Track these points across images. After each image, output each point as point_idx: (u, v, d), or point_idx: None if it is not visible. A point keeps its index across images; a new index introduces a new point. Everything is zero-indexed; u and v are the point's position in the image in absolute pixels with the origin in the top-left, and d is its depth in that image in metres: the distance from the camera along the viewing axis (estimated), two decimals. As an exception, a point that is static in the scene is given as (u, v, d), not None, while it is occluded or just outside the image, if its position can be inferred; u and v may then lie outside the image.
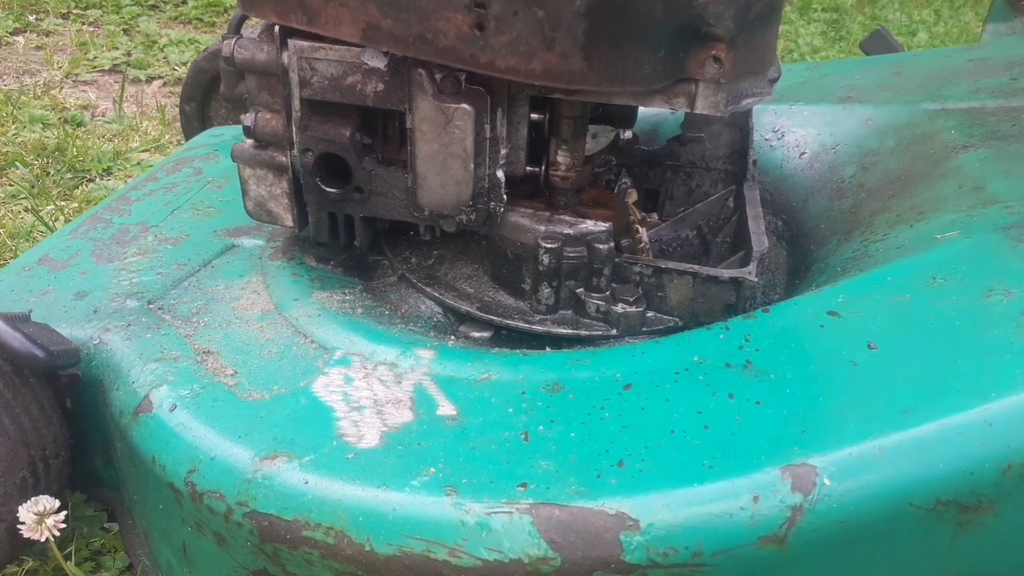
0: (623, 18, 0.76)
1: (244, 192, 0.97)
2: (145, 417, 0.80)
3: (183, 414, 0.78)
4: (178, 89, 2.77)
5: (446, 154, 0.88)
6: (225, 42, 0.89)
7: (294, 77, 0.88)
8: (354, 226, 0.97)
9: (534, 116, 0.94)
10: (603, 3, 0.75)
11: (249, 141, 0.94)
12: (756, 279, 0.91)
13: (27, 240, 1.75)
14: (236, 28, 1.14)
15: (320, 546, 0.69)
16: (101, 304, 0.95)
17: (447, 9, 0.78)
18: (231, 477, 0.73)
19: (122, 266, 1.02)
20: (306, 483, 0.70)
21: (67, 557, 0.92)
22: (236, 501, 0.72)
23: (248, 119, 0.92)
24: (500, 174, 0.90)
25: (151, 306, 0.94)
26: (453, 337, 0.94)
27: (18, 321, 0.80)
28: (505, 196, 0.91)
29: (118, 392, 0.84)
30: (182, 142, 2.31)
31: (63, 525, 0.81)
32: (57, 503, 0.81)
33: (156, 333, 0.89)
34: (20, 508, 0.80)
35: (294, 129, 0.91)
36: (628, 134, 1.16)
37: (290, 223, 0.98)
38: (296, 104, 0.89)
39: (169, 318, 0.92)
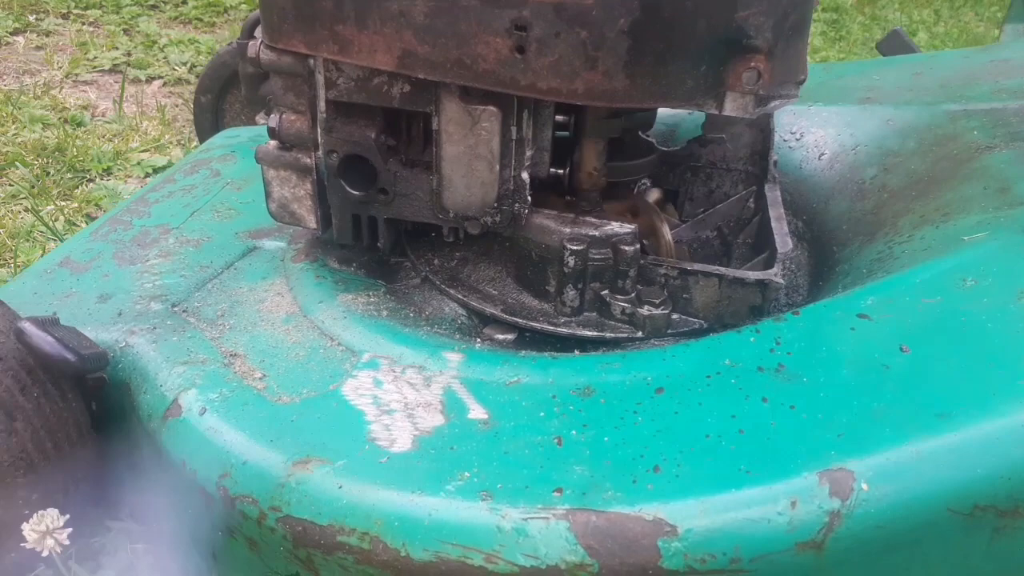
0: (666, 34, 0.76)
1: (267, 194, 0.96)
2: (174, 421, 0.79)
3: (213, 418, 0.78)
4: (178, 89, 2.77)
5: (472, 156, 0.87)
6: (251, 44, 0.89)
7: (320, 78, 0.88)
8: (377, 228, 0.97)
9: (559, 118, 0.93)
10: (646, 20, 0.75)
11: (273, 143, 0.94)
12: (782, 281, 0.90)
13: (27, 240, 1.74)
14: (250, 31, 1.14)
15: (355, 551, 0.68)
16: (125, 307, 0.94)
17: (487, 33, 0.78)
18: (264, 482, 0.72)
19: (144, 268, 1.02)
20: (340, 488, 0.70)
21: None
22: (269, 506, 0.71)
23: (273, 120, 0.92)
24: (525, 176, 0.89)
25: (175, 308, 0.94)
26: (478, 339, 0.94)
27: (48, 324, 0.79)
28: (530, 198, 0.90)
29: (146, 396, 0.84)
30: (182, 142, 2.31)
31: (67, 543, 0.79)
32: (63, 519, 0.79)
33: (182, 336, 0.89)
34: (24, 525, 0.78)
35: (319, 130, 0.90)
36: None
37: (314, 225, 0.97)
38: (322, 105, 0.89)
39: (194, 321, 0.91)
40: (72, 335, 0.81)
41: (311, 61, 0.87)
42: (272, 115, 0.92)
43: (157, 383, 0.83)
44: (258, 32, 0.91)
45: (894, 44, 1.56)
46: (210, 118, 1.64)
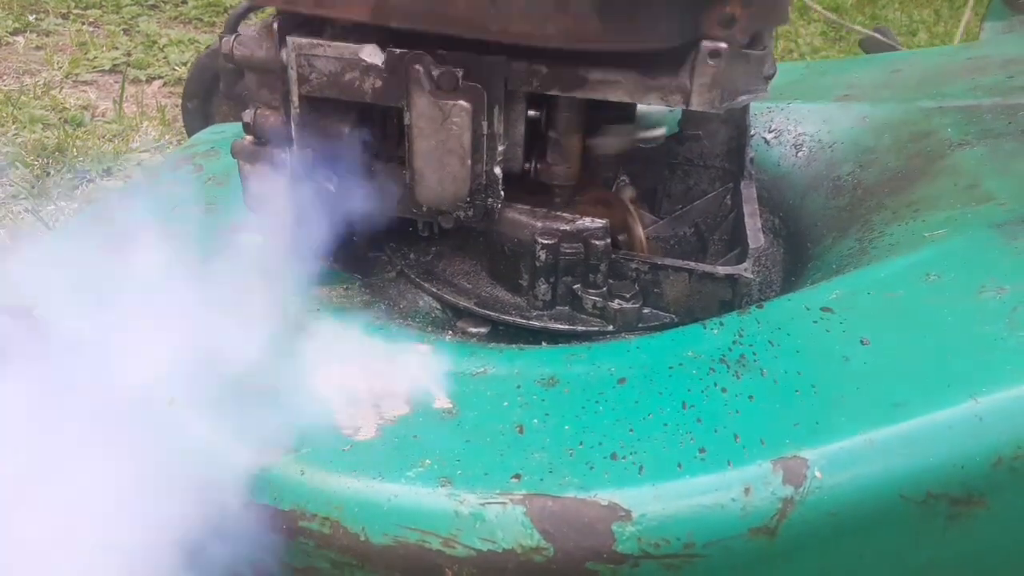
0: None
1: (244, 188, 0.97)
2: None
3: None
4: (178, 89, 2.79)
5: (443, 150, 0.88)
6: (224, 39, 0.90)
7: (293, 74, 0.89)
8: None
9: (531, 113, 0.94)
10: None
11: (249, 138, 0.95)
12: (752, 276, 0.91)
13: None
14: (234, 26, 1.15)
15: (315, 536, 0.70)
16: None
17: None
18: (229, 470, 0.73)
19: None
20: (302, 474, 0.71)
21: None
22: (234, 494, 0.72)
23: (248, 116, 0.93)
24: (497, 170, 0.90)
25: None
26: (451, 332, 0.95)
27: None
28: (502, 192, 0.91)
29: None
30: (182, 142, 2.33)
31: None
32: None
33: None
34: None
35: (293, 126, 0.92)
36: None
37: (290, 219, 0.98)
38: (295, 101, 0.90)
39: (169, 312, 0.92)
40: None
41: (284, 56, 0.88)
42: (247, 110, 0.93)
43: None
44: (241, 28, 0.92)
45: (877, 42, 1.56)
46: (200, 123, 1.65)
